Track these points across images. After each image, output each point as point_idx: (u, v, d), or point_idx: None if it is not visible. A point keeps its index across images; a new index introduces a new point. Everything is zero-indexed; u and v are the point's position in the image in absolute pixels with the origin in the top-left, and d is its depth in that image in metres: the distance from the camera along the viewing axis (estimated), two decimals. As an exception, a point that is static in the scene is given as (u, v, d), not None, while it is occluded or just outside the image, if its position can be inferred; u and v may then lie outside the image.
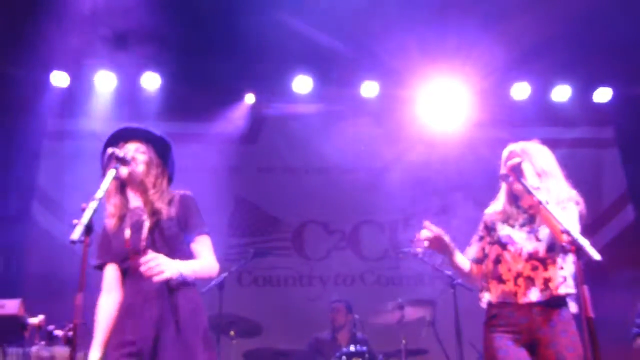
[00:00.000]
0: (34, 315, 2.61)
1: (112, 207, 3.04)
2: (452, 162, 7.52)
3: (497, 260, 3.17)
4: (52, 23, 6.24)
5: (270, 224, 7.97)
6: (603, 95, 8.03)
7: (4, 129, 6.98)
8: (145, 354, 2.77)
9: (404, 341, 5.46)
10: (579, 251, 2.54)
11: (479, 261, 3.36)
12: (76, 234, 2.40)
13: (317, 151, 7.67)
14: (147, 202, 3.03)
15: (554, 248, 3.05)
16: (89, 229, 2.46)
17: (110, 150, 2.86)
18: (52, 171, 7.52)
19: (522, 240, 3.13)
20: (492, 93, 7.85)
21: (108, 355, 2.82)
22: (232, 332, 5.55)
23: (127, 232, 2.96)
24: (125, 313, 2.89)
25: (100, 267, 3.05)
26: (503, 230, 3.20)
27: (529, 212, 3.19)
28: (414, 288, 7.56)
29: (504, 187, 3.32)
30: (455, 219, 7.71)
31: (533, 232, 3.14)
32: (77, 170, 7.02)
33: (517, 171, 3.05)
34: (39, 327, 2.54)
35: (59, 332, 2.51)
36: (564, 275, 3.04)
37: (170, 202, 3.06)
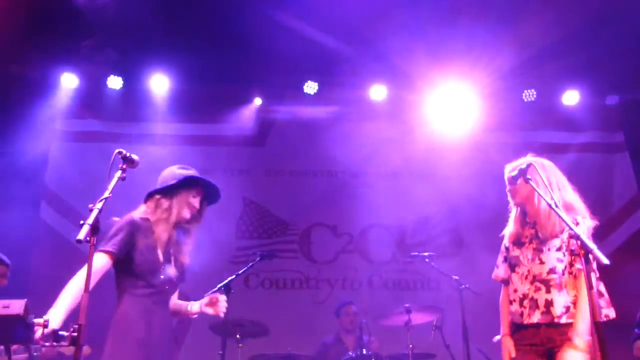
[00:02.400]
0: (40, 315, 2.61)
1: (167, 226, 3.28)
2: (461, 165, 7.48)
3: (507, 282, 3.38)
4: (64, 25, 6.29)
5: (278, 227, 7.96)
6: (612, 99, 7.99)
7: (13, 129, 7.02)
8: None
9: (410, 345, 5.43)
10: (587, 255, 2.52)
11: (507, 282, 3.47)
12: (82, 234, 2.40)
13: (325, 154, 7.64)
14: (181, 250, 3.35)
15: (556, 270, 3.14)
16: (95, 229, 2.45)
17: (117, 150, 2.86)
18: (61, 171, 7.56)
19: (527, 261, 3.25)
20: (502, 97, 7.82)
21: None
22: (238, 336, 5.52)
23: (160, 255, 3.21)
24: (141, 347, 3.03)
25: (100, 252, 3.05)
26: (514, 252, 3.35)
27: (536, 228, 3.28)
28: (421, 292, 7.54)
29: (513, 212, 3.45)
30: (465, 223, 7.70)
31: (538, 252, 3.22)
32: (85, 171, 7.07)
33: (525, 174, 3.05)
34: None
35: (64, 332, 2.50)
36: (568, 305, 3.10)
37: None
